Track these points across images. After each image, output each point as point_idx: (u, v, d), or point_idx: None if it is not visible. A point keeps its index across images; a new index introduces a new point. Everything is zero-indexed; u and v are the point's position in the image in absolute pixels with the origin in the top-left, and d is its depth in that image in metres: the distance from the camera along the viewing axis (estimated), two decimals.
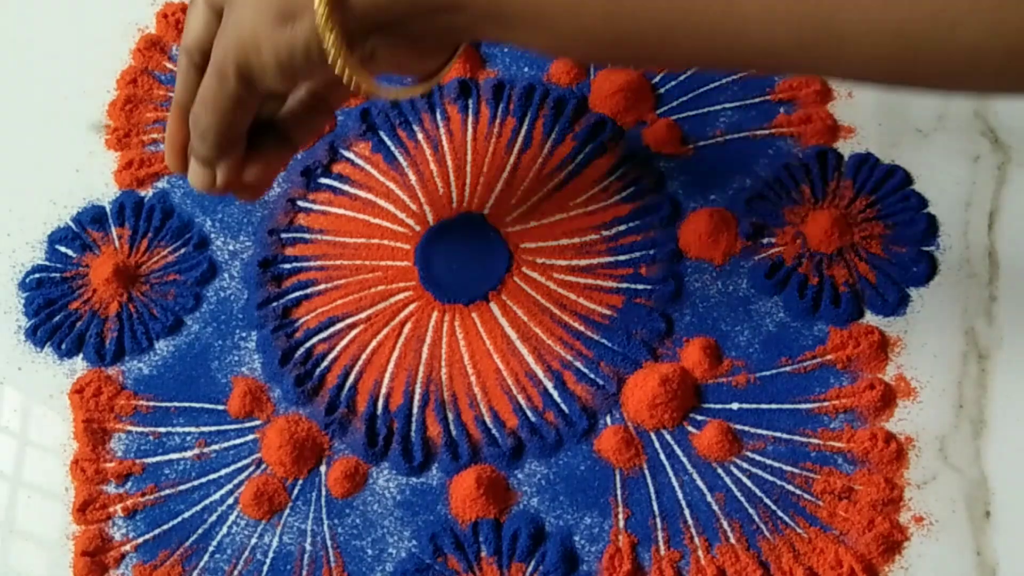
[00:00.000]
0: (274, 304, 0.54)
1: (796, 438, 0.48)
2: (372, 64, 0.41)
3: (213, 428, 0.51)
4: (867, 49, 0.35)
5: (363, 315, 0.53)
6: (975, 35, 0.33)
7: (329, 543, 0.48)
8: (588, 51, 0.41)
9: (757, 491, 0.47)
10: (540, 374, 0.51)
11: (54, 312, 0.54)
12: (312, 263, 0.55)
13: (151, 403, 0.52)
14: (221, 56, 0.41)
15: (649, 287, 0.52)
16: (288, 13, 0.39)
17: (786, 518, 0.47)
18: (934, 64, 0.34)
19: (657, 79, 0.58)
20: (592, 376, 0.51)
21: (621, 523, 0.47)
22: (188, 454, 0.51)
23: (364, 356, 0.52)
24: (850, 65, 0.36)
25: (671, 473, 0.48)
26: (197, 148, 0.45)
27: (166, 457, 0.50)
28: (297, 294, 0.54)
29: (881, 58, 0.35)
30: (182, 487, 0.50)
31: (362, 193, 0.57)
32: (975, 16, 0.32)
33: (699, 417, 0.49)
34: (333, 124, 0.58)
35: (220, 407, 0.51)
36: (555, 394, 0.50)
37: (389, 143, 0.58)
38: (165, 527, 0.49)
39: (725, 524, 0.47)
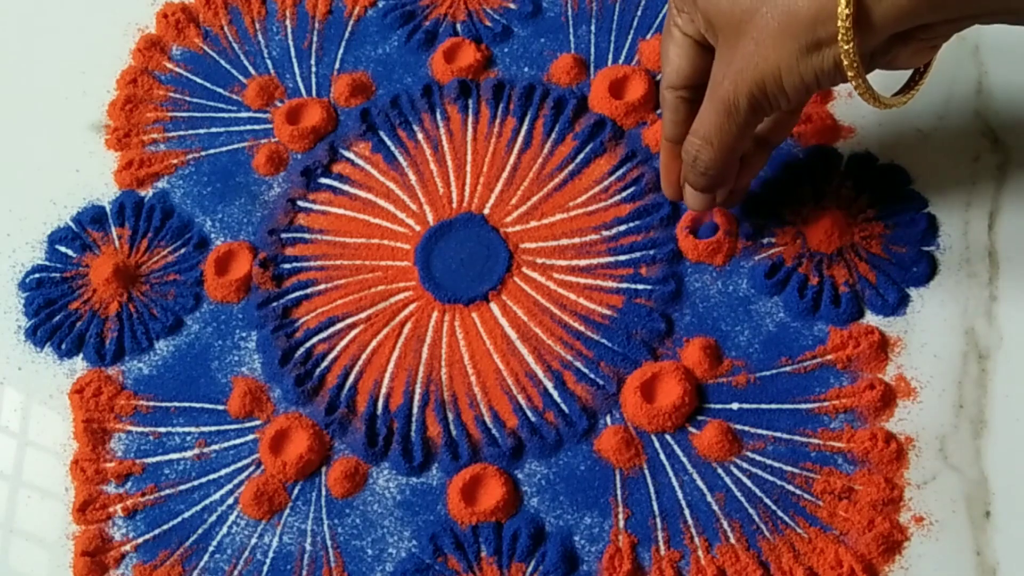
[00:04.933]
0: (274, 304, 0.54)
1: (796, 438, 0.48)
2: (890, 65, 0.43)
3: (213, 428, 0.51)
4: None
5: (363, 315, 0.53)
6: None
7: (329, 543, 0.48)
8: None
9: (757, 491, 0.47)
10: (540, 374, 0.51)
11: (54, 312, 0.54)
12: (312, 263, 0.55)
13: (151, 403, 0.52)
14: (732, 90, 0.43)
15: (649, 287, 0.52)
16: (815, 43, 0.41)
17: (786, 518, 0.47)
18: None
19: (659, 77, 0.58)
20: (592, 376, 0.51)
21: (621, 523, 0.47)
22: (188, 454, 0.51)
23: (364, 356, 0.52)
24: None
25: (671, 473, 0.48)
26: (696, 181, 0.48)
27: (166, 457, 0.50)
28: (297, 294, 0.54)
29: None
30: (182, 487, 0.50)
31: (362, 193, 0.57)
32: None
33: (699, 417, 0.49)
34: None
35: (220, 407, 0.51)
36: (555, 394, 0.50)
37: (389, 143, 0.58)
38: (165, 527, 0.49)
39: (725, 524, 0.47)
